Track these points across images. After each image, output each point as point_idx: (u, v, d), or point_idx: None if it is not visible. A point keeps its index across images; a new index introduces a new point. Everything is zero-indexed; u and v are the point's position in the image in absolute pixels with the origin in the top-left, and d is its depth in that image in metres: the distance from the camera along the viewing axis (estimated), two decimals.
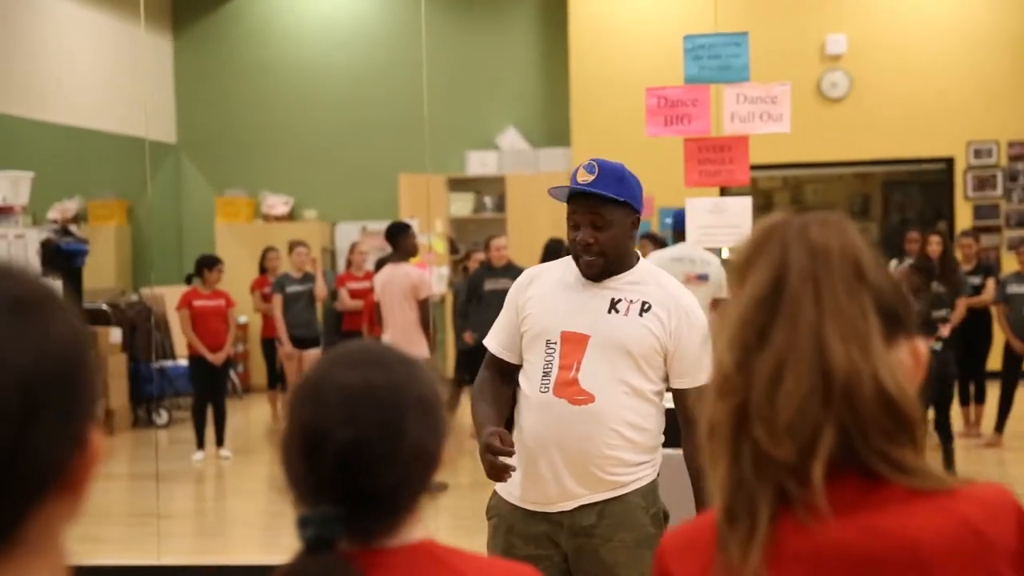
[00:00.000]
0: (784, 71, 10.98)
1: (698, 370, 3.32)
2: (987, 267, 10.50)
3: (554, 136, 14.64)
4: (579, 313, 3.33)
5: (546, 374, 3.30)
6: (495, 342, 3.48)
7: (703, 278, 7.77)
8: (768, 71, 8.80)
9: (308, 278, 11.12)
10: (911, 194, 16.18)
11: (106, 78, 13.98)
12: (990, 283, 10.15)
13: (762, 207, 16.16)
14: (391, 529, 1.52)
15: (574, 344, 3.30)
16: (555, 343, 3.31)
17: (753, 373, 1.31)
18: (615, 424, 3.29)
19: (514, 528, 3.39)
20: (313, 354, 10.83)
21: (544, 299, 3.38)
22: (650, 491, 3.38)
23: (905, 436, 1.32)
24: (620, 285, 3.37)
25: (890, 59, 13.66)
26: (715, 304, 7.90)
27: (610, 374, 3.29)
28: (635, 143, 8.42)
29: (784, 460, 1.29)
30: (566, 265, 3.44)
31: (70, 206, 13.87)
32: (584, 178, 3.33)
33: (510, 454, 3.23)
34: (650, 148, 8.38)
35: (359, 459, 1.48)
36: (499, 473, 3.24)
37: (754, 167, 12.39)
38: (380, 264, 10.05)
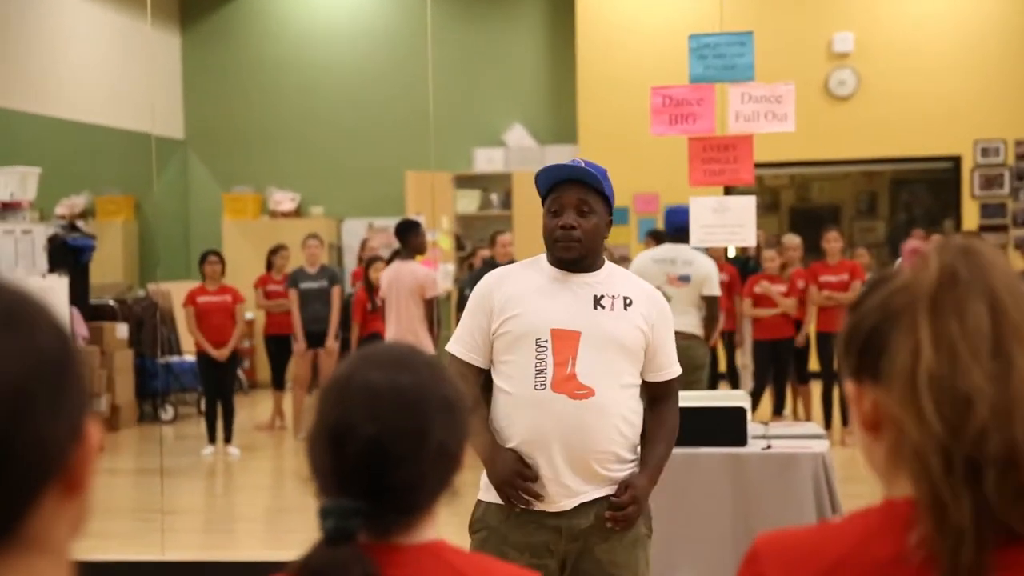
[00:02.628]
0: (791, 69, 10.99)
1: (674, 361, 3.49)
2: None
3: (561, 133, 14.64)
4: (565, 310, 3.33)
5: (540, 372, 3.28)
6: (462, 347, 3.42)
7: (684, 279, 7.88)
8: (775, 69, 8.82)
9: (324, 272, 11.06)
10: (918, 193, 16.16)
11: (114, 74, 14.01)
12: None
13: (769, 205, 16.16)
14: (408, 526, 1.56)
15: (566, 341, 3.29)
16: (546, 341, 3.29)
17: (1013, 403, 1.29)
18: (614, 418, 3.31)
19: (508, 539, 3.35)
20: (327, 352, 10.81)
21: (525, 298, 3.35)
22: None
23: None
24: (596, 282, 3.38)
25: (898, 57, 13.65)
26: (707, 301, 7.95)
27: (606, 368, 3.31)
28: (641, 141, 8.45)
29: None
30: (535, 265, 3.45)
31: (78, 202, 13.90)
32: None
33: (536, 479, 3.28)
34: (656, 146, 8.40)
35: (381, 455, 1.51)
36: (527, 502, 3.30)
37: (761, 165, 12.43)
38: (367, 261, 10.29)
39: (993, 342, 1.31)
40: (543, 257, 3.45)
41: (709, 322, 8.12)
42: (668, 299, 7.91)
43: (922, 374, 1.31)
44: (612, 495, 3.35)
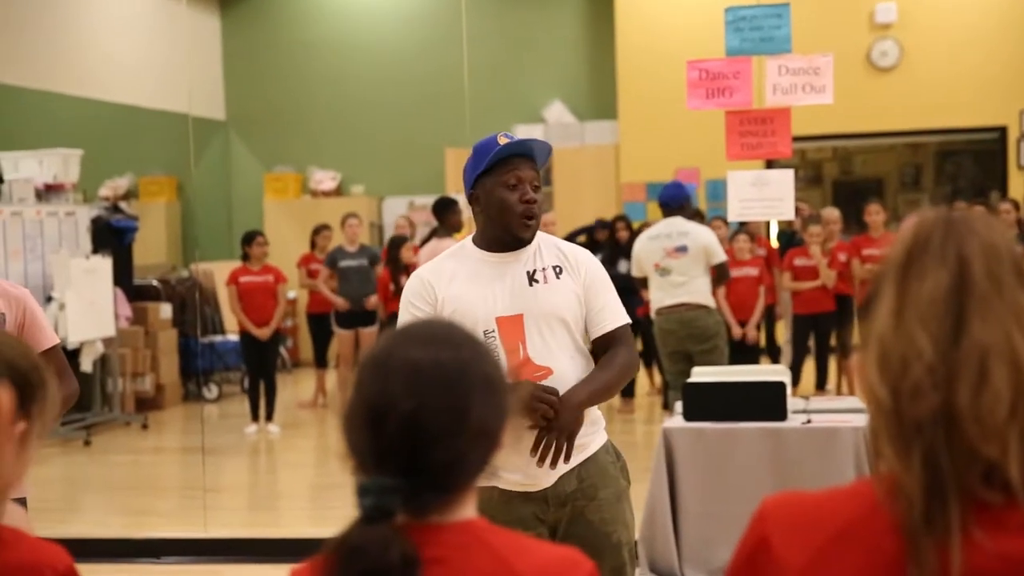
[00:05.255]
0: (833, 40, 10.86)
1: (617, 311, 3.39)
2: None
3: (601, 109, 14.58)
4: (504, 295, 3.31)
5: None
6: None
7: (682, 249, 7.92)
8: (817, 41, 8.71)
9: (364, 252, 11.07)
10: (963, 164, 15.97)
11: (155, 56, 14.08)
12: None
13: (812, 179, 16.03)
14: (446, 505, 1.53)
15: (511, 326, 3.28)
16: (492, 331, 3.28)
17: (957, 365, 1.30)
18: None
19: (495, 519, 3.34)
20: (370, 332, 10.83)
21: (464, 291, 3.32)
22: (611, 447, 3.46)
23: None
24: (525, 256, 3.36)
25: (941, 27, 13.46)
26: (715, 271, 7.94)
27: (554, 344, 3.31)
28: (682, 116, 8.37)
29: (990, 459, 1.28)
30: (462, 253, 3.40)
31: (121, 183, 14.02)
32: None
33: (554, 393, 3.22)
34: (697, 121, 8.34)
35: (421, 431, 1.49)
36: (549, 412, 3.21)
37: (803, 138, 12.26)
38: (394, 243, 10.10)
39: (950, 308, 1.32)
40: (467, 243, 3.42)
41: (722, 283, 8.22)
42: (668, 272, 8.03)
43: (873, 339, 1.34)
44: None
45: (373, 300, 10.73)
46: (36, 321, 3.72)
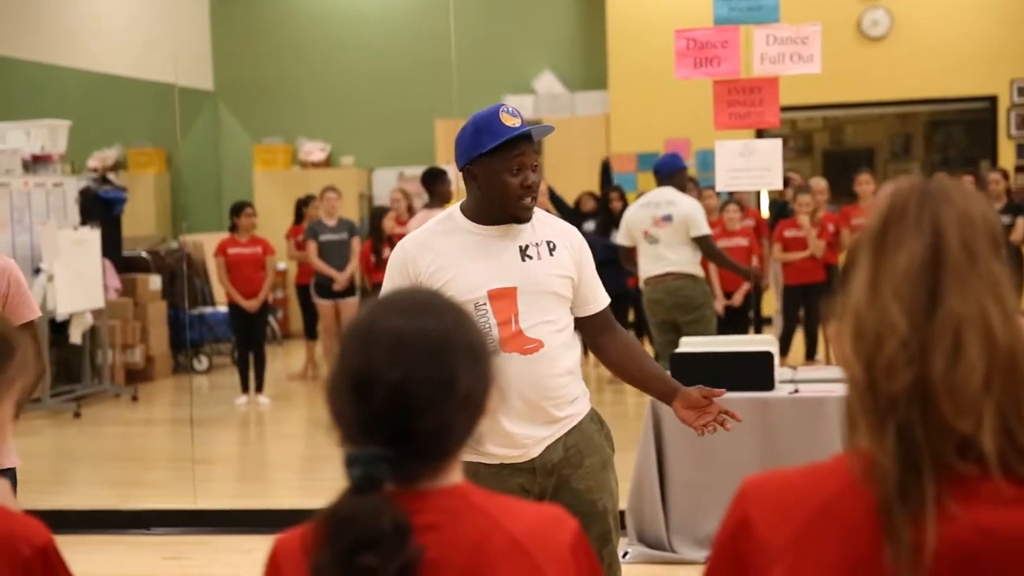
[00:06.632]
0: (824, 10, 10.84)
1: (601, 292, 3.50)
2: (1017, 206, 10.35)
3: (591, 80, 14.54)
4: (497, 268, 3.31)
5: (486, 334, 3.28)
6: None
7: (667, 219, 7.96)
8: (807, 10, 8.70)
9: (343, 225, 11.04)
10: (954, 133, 15.96)
11: (143, 26, 14.00)
12: (1020, 222, 10.03)
13: (802, 149, 16.02)
14: (434, 472, 1.54)
15: (504, 299, 3.29)
16: (484, 303, 3.29)
17: (931, 338, 1.29)
18: (562, 363, 3.35)
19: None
20: (350, 303, 10.82)
21: (454, 263, 3.31)
22: (595, 415, 3.49)
23: None
24: (517, 231, 3.36)
25: None
26: (698, 242, 7.95)
27: (545, 318, 3.33)
28: (673, 86, 8.36)
29: (964, 432, 1.27)
30: (450, 223, 3.38)
31: (109, 154, 13.96)
32: (515, 122, 3.29)
33: None
34: (688, 91, 8.33)
35: (407, 401, 1.50)
36: None
37: (794, 108, 12.21)
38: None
39: (925, 280, 1.31)
40: (456, 214, 3.40)
41: (717, 261, 8.15)
42: (656, 240, 8.07)
43: (848, 312, 1.33)
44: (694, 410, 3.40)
45: (343, 278, 10.67)
46: (20, 292, 3.72)
